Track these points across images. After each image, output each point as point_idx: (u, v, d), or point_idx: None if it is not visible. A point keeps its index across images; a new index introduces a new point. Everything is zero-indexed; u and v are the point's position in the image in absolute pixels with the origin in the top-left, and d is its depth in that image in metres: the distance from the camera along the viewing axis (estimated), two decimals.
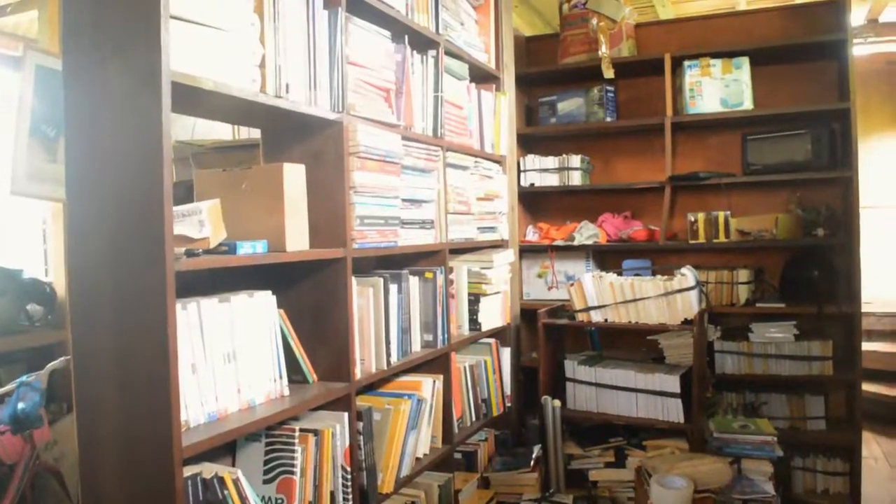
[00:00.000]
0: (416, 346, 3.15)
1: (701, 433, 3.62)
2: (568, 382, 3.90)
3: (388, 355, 2.85)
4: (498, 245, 3.88)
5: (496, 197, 3.81)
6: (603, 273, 3.88)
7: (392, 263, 3.26)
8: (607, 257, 5.10)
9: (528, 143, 5.22)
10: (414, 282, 3.12)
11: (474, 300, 3.60)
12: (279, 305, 2.63)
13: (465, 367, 3.52)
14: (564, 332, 4.23)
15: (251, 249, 2.25)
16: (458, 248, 3.59)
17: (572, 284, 3.81)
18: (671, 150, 4.61)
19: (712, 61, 4.47)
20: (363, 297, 2.76)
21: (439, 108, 3.23)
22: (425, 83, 3.16)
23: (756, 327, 4.30)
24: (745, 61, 4.44)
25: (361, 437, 2.68)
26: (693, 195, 4.83)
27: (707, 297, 3.98)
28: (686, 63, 4.51)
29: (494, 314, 3.73)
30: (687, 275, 3.63)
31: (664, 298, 3.63)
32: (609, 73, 4.62)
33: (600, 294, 3.73)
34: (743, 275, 4.40)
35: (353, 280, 2.68)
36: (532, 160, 5.01)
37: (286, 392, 2.44)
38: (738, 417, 4.02)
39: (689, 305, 3.60)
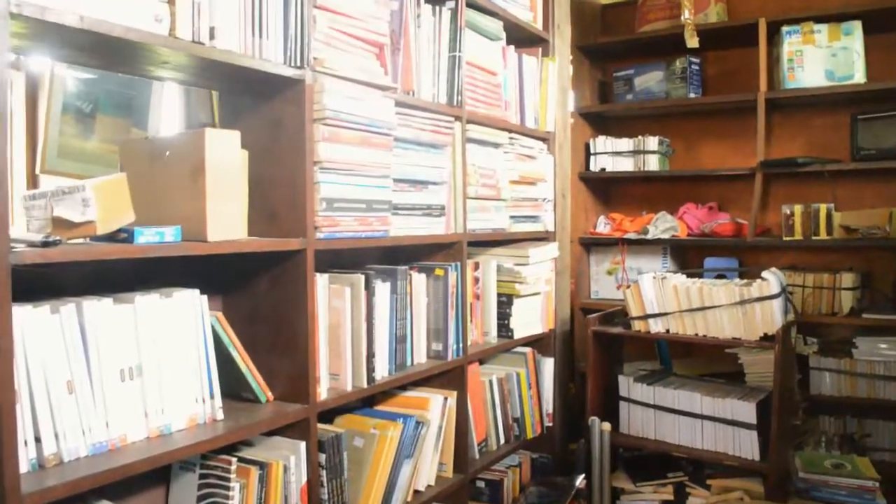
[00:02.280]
0: (421, 357, 2.57)
1: (781, 472, 2.90)
2: (622, 402, 3.23)
3: (372, 370, 2.28)
4: (542, 237, 3.25)
5: (539, 181, 3.18)
6: (667, 274, 3.19)
7: (399, 257, 2.69)
8: (688, 254, 4.39)
9: (601, 122, 4.54)
10: (420, 280, 2.54)
11: (506, 302, 2.99)
12: (226, 308, 2.11)
13: (490, 382, 2.92)
14: (623, 342, 3.56)
15: (156, 238, 1.72)
16: (485, 241, 2.99)
17: (629, 286, 3.14)
18: (764, 131, 3.86)
19: (816, 26, 3.71)
20: (339, 298, 2.20)
21: (457, 72, 2.61)
22: (437, 40, 2.55)
23: (862, 342, 3.57)
24: (856, 26, 3.67)
25: (325, 472, 2.12)
26: (790, 184, 4.09)
27: (794, 307, 3.22)
28: (785, 29, 3.77)
29: (532, 319, 3.10)
30: (769, 280, 2.92)
31: (739, 308, 2.92)
32: (693, 42, 3.91)
33: (662, 299, 3.05)
34: (847, 279, 3.65)
35: (322, 278, 2.13)
36: (603, 142, 4.34)
37: (219, 415, 1.91)
38: (832, 453, 3.27)
39: (769, 317, 2.89)
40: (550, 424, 3.29)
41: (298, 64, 1.97)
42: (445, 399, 2.63)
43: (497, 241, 3.06)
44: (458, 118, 2.63)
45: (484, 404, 2.88)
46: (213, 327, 1.93)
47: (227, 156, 1.85)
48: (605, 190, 4.61)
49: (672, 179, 4.40)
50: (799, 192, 4.02)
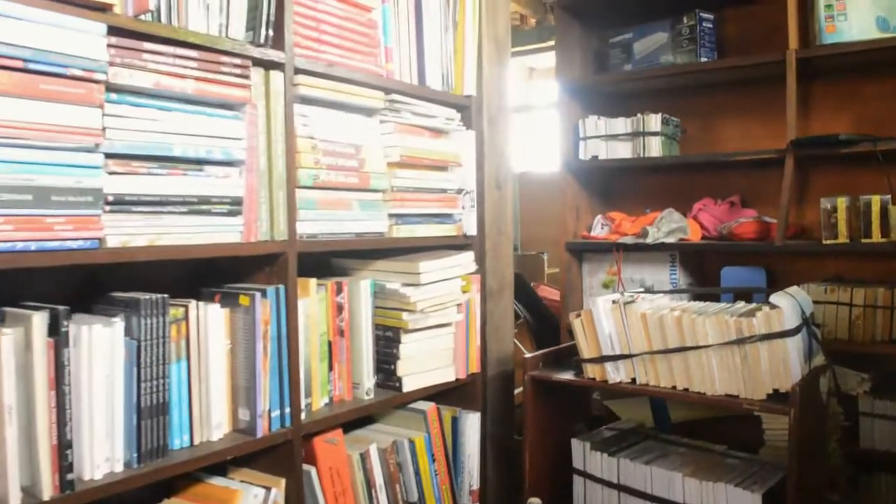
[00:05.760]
0: (216, 433, 1.56)
1: None
2: (576, 477, 2.14)
3: (64, 471, 1.27)
4: (460, 245, 2.17)
5: (450, 164, 2.11)
6: (634, 295, 2.07)
7: (203, 279, 1.68)
8: (706, 262, 3.24)
9: (594, 100, 3.42)
10: (216, 313, 1.53)
11: (392, 339, 1.94)
12: None
13: (361, 457, 1.87)
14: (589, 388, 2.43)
15: None
16: (362, 251, 1.96)
17: (579, 315, 2.04)
18: (796, 102, 2.71)
19: None
20: None
21: None
22: None
23: None
24: None
25: None
26: (833, 171, 2.91)
27: (823, 349, 2.04)
28: None
29: (434, 361, 2.04)
30: (782, 307, 1.79)
31: (736, 350, 1.81)
32: None
33: (625, 334, 1.96)
34: None
35: None
36: (594, 123, 3.24)
37: None
38: None
39: (782, 364, 1.77)
40: None
41: None
42: (268, 491, 1.61)
43: (402, 248, 2.02)
44: (270, 64, 1.60)
45: (353, 490, 1.83)
46: None
47: None
48: (604, 183, 3.50)
49: (684, 168, 3.27)
50: (844, 182, 2.86)
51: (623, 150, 3.18)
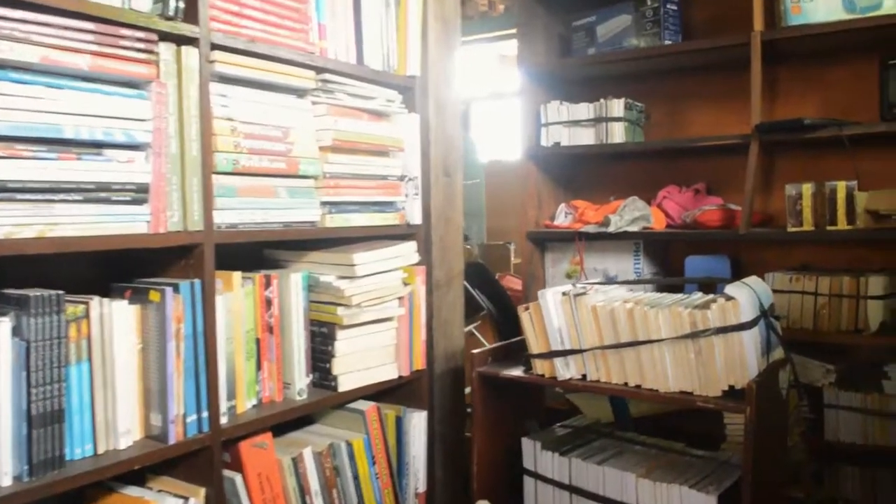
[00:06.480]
0: (123, 440, 1.41)
1: None
2: (527, 478, 2.01)
3: None
4: (403, 235, 2.02)
5: (392, 149, 1.96)
6: (587, 287, 1.94)
7: (114, 272, 1.54)
8: (670, 252, 3.13)
9: (557, 85, 3.29)
10: (123, 311, 1.39)
11: (326, 335, 1.80)
12: None
13: (293, 462, 1.73)
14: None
15: None
16: (297, 241, 1.82)
17: (527, 308, 1.91)
18: (761, 87, 2.60)
19: None
20: None
21: None
22: None
23: None
24: None
25: None
26: (799, 157, 2.81)
27: (782, 342, 1.90)
28: None
29: (375, 359, 1.90)
30: (738, 298, 1.66)
31: (690, 344, 1.69)
32: None
33: (576, 328, 1.83)
34: (876, 284, 2.41)
35: None
36: (557, 109, 3.11)
37: None
38: None
39: (738, 360, 1.65)
40: None
41: None
42: (185, 501, 1.48)
43: (337, 238, 1.88)
44: (183, 39, 1.46)
45: (285, 496, 1.70)
46: None
47: None
48: (567, 171, 3.37)
49: (648, 155, 3.16)
50: (811, 168, 2.76)
51: (586, 137, 3.06)
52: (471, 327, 3.66)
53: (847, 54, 2.71)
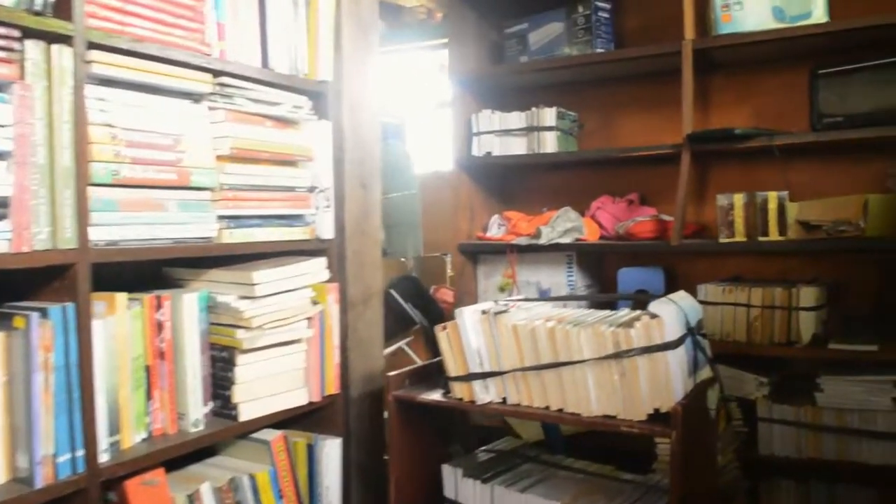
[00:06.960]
0: None
1: None
2: None
3: None
4: (314, 250, 1.88)
5: (300, 159, 1.82)
6: (511, 304, 1.83)
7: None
8: (604, 264, 3.06)
9: (490, 94, 3.19)
10: None
11: (227, 360, 1.66)
12: None
13: (188, 499, 1.57)
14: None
15: None
16: (197, 259, 1.67)
17: (445, 328, 1.80)
18: (693, 96, 2.56)
19: None
20: None
21: None
22: None
23: (828, 382, 2.33)
24: None
25: None
26: (731, 167, 2.78)
27: (710, 361, 1.81)
28: None
29: (281, 384, 1.75)
30: (662, 316, 1.57)
31: (614, 365, 1.59)
32: None
33: (495, 349, 1.72)
34: (808, 295, 2.37)
35: None
36: (488, 118, 3.01)
37: None
38: None
39: (663, 382, 1.55)
40: None
41: None
42: None
43: (239, 255, 1.72)
44: (54, 37, 1.30)
45: None
46: None
47: None
48: (501, 182, 3.27)
49: (581, 165, 3.08)
50: (743, 178, 2.73)
51: (518, 146, 2.98)
52: (402, 343, 3.54)
53: (778, 64, 2.68)
